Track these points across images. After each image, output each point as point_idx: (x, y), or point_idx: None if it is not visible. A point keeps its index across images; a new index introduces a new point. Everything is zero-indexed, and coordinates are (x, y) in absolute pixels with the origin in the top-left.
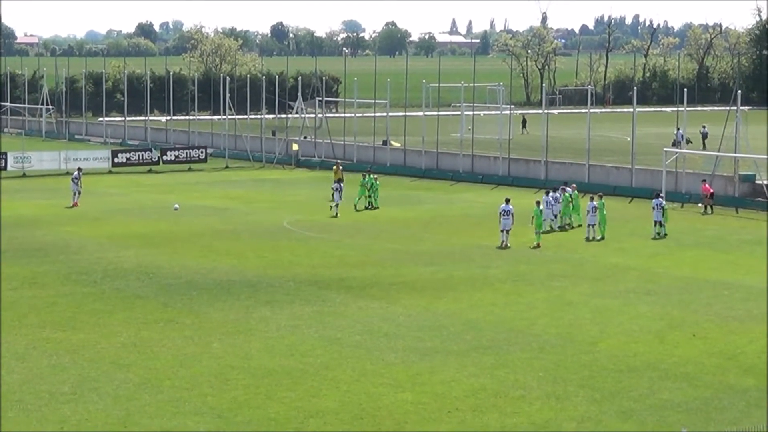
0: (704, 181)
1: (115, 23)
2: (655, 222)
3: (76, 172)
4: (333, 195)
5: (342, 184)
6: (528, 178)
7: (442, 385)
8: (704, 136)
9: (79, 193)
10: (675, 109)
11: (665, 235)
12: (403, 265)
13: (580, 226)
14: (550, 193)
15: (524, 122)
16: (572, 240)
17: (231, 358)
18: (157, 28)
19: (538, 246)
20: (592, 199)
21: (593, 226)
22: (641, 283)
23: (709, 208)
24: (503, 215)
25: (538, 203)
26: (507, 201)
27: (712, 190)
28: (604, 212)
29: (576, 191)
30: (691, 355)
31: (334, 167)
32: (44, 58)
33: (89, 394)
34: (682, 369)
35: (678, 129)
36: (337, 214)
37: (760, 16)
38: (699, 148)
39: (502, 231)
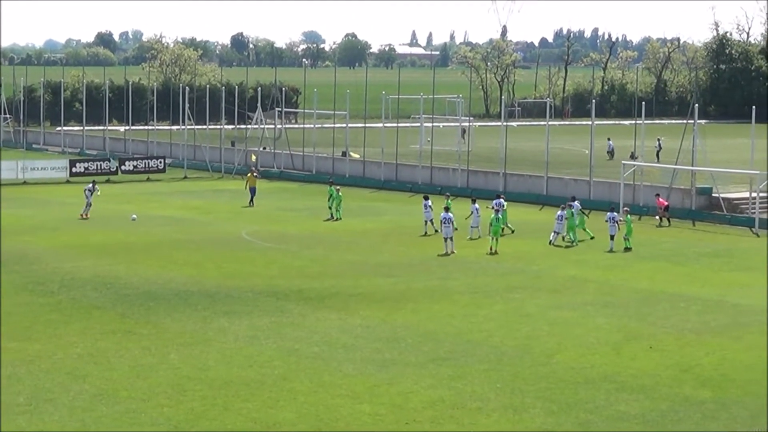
0: (658, 195)
1: (74, 32)
2: (611, 236)
3: (90, 184)
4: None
5: (255, 191)
6: (487, 190)
7: (400, 397)
8: (659, 148)
9: (89, 206)
10: (633, 122)
11: (629, 248)
12: (361, 277)
13: (582, 240)
14: (558, 212)
15: (463, 132)
16: (530, 252)
17: (188, 369)
18: (116, 37)
19: (495, 252)
20: (562, 208)
21: (559, 233)
22: (599, 295)
23: (665, 220)
24: (444, 223)
25: (497, 211)
26: (446, 209)
27: (666, 203)
28: (576, 219)
29: (579, 208)
30: (648, 367)
31: (249, 174)
32: (2, 67)
33: (45, 406)
34: (639, 381)
35: (608, 139)
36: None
37: (717, 30)
38: (653, 161)
39: (444, 239)
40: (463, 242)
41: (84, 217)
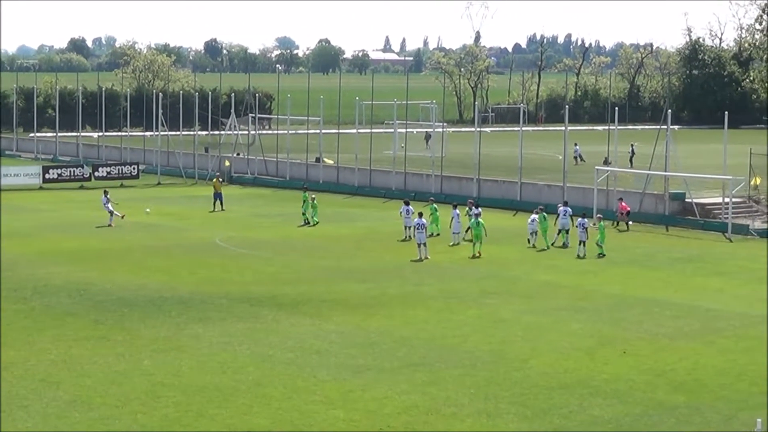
0: (621, 199)
1: (47, 38)
2: (580, 241)
3: (103, 197)
4: (216, 203)
5: (222, 196)
6: (460, 196)
7: (374, 402)
8: (632, 154)
9: (112, 214)
10: (606, 127)
11: (603, 255)
12: (335, 282)
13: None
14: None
15: (428, 138)
16: (504, 257)
17: (162, 375)
18: (89, 43)
19: (477, 256)
20: (536, 212)
21: (535, 233)
22: (572, 300)
23: (624, 225)
24: (417, 229)
25: (477, 215)
26: (420, 215)
27: (628, 209)
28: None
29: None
30: (622, 372)
31: (214, 180)
32: None
33: (18, 412)
34: (613, 386)
35: (576, 144)
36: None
37: (690, 36)
38: (627, 166)
39: (418, 245)
40: (437, 248)
41: (113, 224)
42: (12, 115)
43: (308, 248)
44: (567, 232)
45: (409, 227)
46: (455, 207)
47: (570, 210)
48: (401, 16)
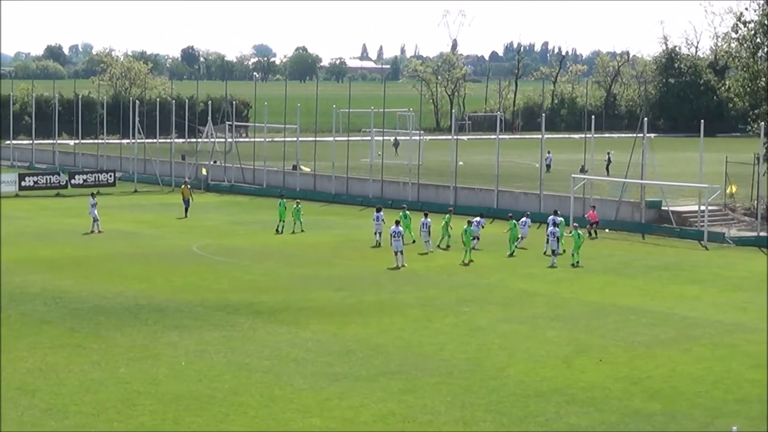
0: (594, 207)
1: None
2: (552, 251)
3: (92, 199)
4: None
5: (190, 202)
6: (437, 203)
7: (351, 411)
8: (608, 162)
9: (96, 221)
10: (583, 135)
11: (578, 263)
12: (312, 290)
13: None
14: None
15: (396, 144)
16: (481, 265)
17: (138, 383)
18: (66, 50)
19: (467, 263)
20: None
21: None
22: (549, 308)
23: (592, 233)
24: (394, 237)
25: (469, 222)
26: (397, 223)
27: (597, 219)
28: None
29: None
30: (598, 380)
31: (182, 186)
32: None
33: None
34: (589, 394)
35: (548, 152)
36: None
37: (666, 44)
38: (603, 174)
39: (395, 253)
40: (413, 255)
41: (95, 232)
42: None
43: (285, 256)
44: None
45: (380, 233)
46: (426, 215)
47: (558, 219)
48: (378, 24)
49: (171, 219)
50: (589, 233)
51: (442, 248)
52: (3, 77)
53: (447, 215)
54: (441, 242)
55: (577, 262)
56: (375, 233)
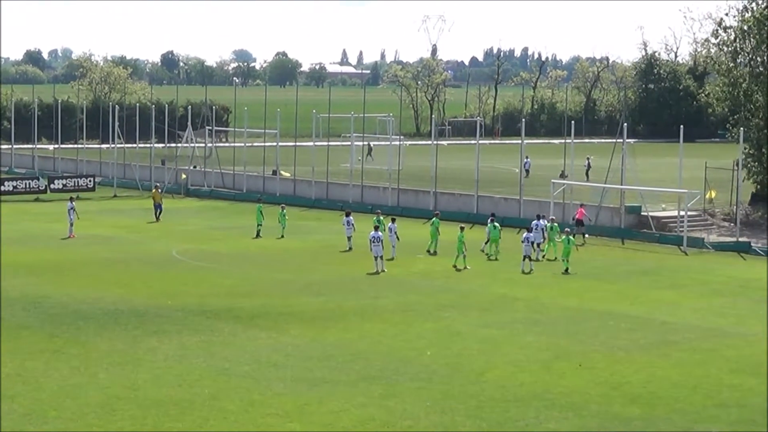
0: (582, 205)
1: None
2: (525, 256)
3: (69, 202)
4: (157, 214)
5: (162, 206)
6: (417, 209)
7: (331, 416)
8: (588, 167)
9: (72, 225)
10: (563, 141)
11: (567, 270)
12: (292, 295)
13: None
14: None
15: (369, 150)
16: (462, 271)
17: (118, 388)
18: (45, 55)
19: (461, 269)
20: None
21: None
22: (528, 313)
23: (581, 237)
24: (373, 242)
25: (462, 228)
26: (376, 228)
27: (580, 217)
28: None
29: (555, 223)
30: (578, 385)
31: (153, 190)
32: None
33: None
34: (569, 399)
35: (527, 158)
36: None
37: (645, 50)
38: (583, 180)
39: (375, 258)
40: (394, 261)
41: (70, 236)
42: None
43: (265, 261)
44: (539, 245)
45: (350, 237)
46: (393, 221)
47: (543, 224)
48: (358, 29)
49: (150, 224)
50: (582, 234)
51: (430, 253)
52: None
53: (435, 219)
54: (430, 246)
55: (567, 269)
56: (348, 238)
